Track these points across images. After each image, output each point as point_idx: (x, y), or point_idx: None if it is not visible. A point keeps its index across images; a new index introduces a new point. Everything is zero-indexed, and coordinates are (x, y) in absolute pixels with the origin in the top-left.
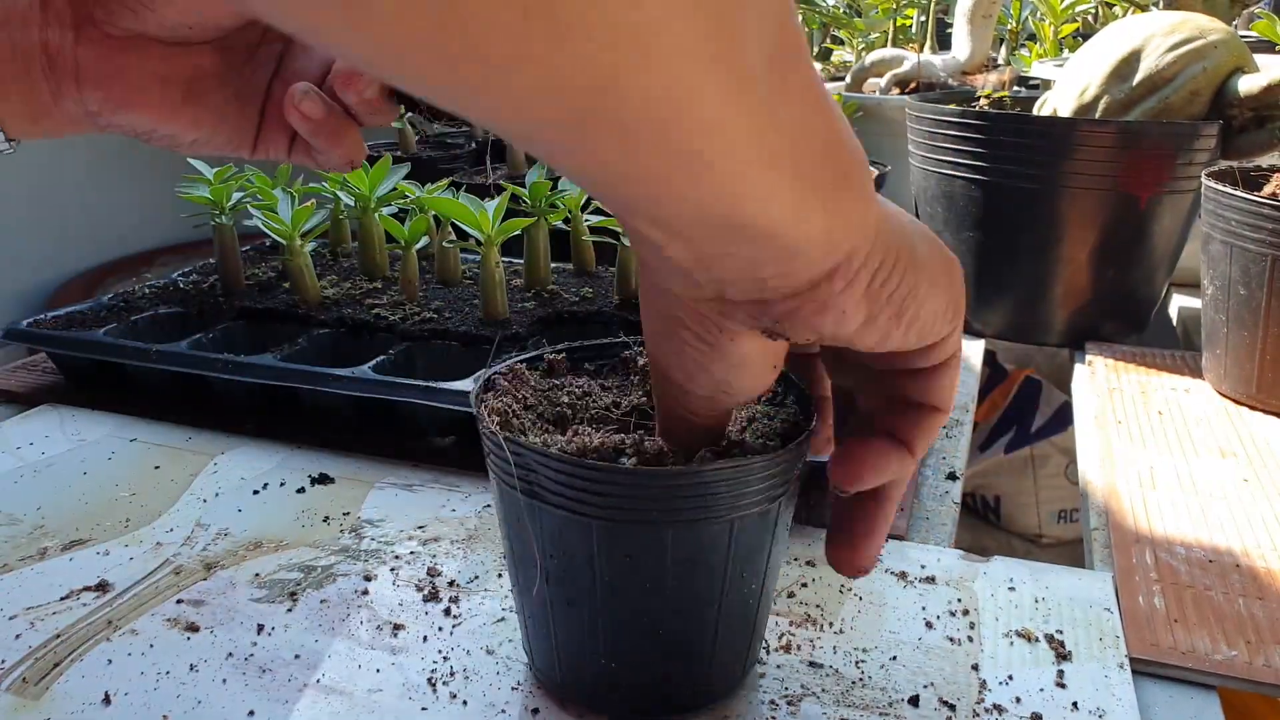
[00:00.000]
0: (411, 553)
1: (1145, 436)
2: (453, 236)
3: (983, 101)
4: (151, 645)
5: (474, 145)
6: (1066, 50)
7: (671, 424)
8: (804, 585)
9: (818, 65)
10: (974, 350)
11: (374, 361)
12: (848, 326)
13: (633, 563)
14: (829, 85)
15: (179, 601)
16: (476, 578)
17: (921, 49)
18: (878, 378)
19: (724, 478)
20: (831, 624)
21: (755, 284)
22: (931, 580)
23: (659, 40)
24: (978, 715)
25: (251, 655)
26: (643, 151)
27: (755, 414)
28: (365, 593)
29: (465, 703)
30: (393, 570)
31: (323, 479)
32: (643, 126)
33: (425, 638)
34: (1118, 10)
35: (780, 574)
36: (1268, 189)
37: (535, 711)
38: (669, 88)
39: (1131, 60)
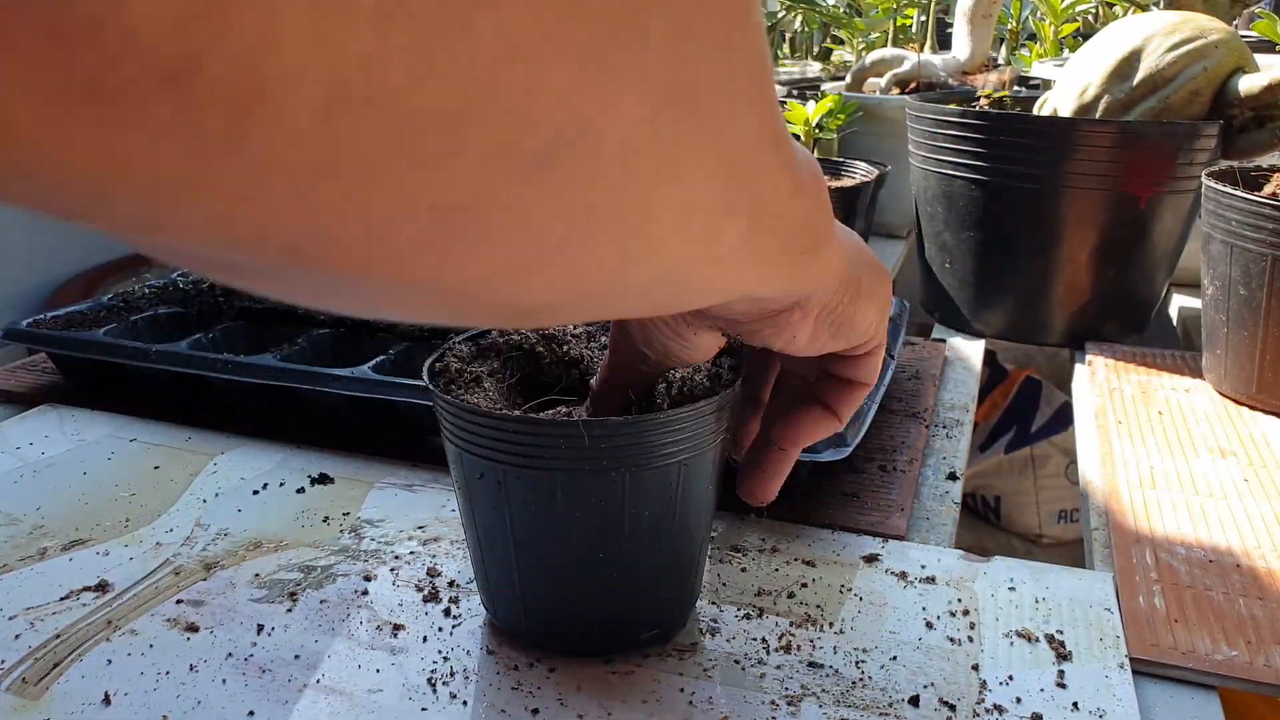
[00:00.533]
0: (411, 553)
1: (1145, 436)
2: None
3: (983, 101)
4: (151, 645)
5: None
6: (1067, 50)
7: (616, 372)
8: (804, 585)
9: (816, 66)
10: (974, 350)
11: (374, 361)
12: (795, 344)
13: (591, 507)
14: (829, 85)
15: (179, 602)
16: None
17: (922, 49)
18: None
19: (654, 426)
20: (831, 624)
21: (727, 314)
22: (932, 580)
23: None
24: (978, 715)
25: (251, 655)
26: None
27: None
28: (365, 593)
29: (465, 703)
30: (393, 570)
31: (322, 479)
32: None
33: (425, 638)
34: (1118, 10)
35: (780, 574)
36: (1268, 189)
37: (535, 711)
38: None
39: (1132, 60)
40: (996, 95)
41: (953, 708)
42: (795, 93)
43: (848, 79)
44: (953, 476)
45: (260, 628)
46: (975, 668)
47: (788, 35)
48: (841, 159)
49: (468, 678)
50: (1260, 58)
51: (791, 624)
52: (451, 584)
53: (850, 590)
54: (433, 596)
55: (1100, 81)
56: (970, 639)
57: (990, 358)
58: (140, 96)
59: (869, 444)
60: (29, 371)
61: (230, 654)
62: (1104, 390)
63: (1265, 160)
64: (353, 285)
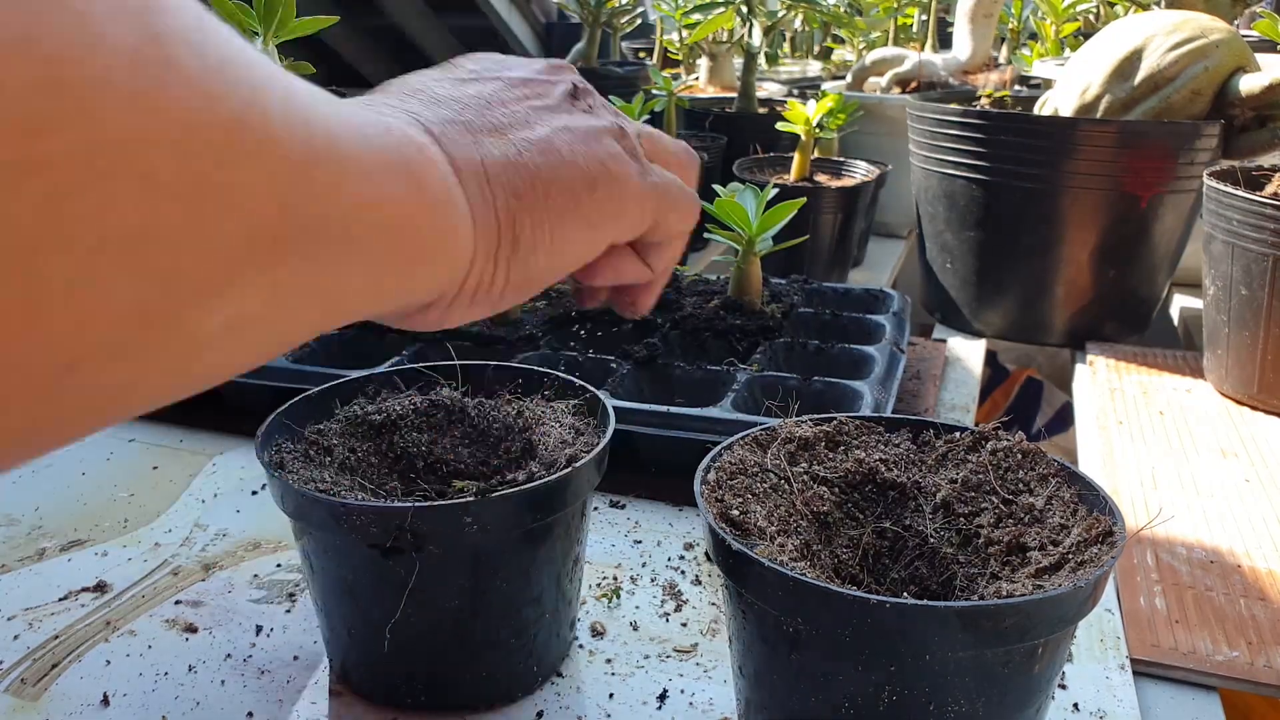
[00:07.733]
0: None
1: (1146, 437)
2: None
3: (984, 101)
4: (150, 646)
5: None
6: (1068, 49)
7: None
8: None
9: (817, 65)
10: (975, 350)
11: (391, 361)
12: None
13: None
14: (829, 85)
15: (177, 602)
16: None
17: (922, 48)
18: None
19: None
20: None
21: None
22: None
23: None
24: None
25: (250, 656)
26: None
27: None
28: None
29: None
30: None
31: None
32: None
33: None
34: (1119, 9)
35: None
36: (1269, 189)
37: (541, 715)
38: None
39: (1133, 59)
40: (997, 95)
41: None
42: (796, 92)
43: (848, 78)
44: None
45: (259, 628)
46: None
47: (788, 34)
48: (842, 158)
49: None
50: (1261, 57)
51: None
52: None
53: None
54: None
55: (1101, 81)
56: None
57: (991, 358)
58: None
59: None
60: None
61: (229, 655)
62: (1105, 390)
63: (1266, 160)
64: None
